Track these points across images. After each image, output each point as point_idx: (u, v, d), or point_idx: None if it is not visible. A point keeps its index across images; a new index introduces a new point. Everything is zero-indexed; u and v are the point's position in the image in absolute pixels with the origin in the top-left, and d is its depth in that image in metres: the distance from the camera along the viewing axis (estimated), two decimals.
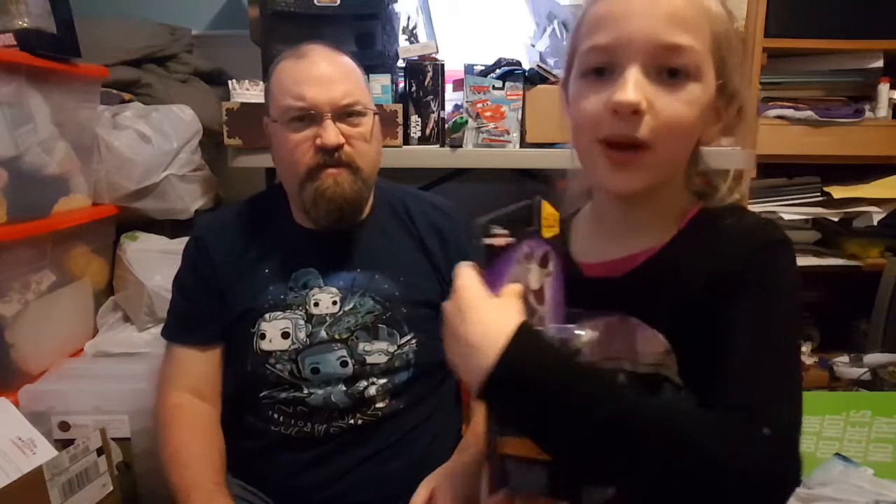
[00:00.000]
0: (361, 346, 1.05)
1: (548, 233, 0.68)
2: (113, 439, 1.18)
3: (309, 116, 1.02)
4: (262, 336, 1.05)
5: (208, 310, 1.09)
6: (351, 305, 1.06)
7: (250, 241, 1.10)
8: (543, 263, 0.66)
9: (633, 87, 0.63)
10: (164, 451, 1.05)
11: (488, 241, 0.67)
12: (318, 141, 1.01)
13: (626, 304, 0.66)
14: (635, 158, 0.65)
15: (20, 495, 0.94)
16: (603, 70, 0.66)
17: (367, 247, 1.10)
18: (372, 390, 1.05)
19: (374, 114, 1.08)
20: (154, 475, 1.12)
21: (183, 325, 1.11)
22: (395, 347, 1.06)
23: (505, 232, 0.67)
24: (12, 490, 0.93)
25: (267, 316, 1.06)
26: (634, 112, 0.63)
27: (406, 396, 1.08)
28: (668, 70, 0.63)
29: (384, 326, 1.06)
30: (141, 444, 1.23)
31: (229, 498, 0.99)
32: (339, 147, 1.01)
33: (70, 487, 1.01)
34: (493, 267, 0.66)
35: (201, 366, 1.10)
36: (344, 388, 1.04)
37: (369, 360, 1.05)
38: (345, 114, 1.03)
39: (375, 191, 1.13)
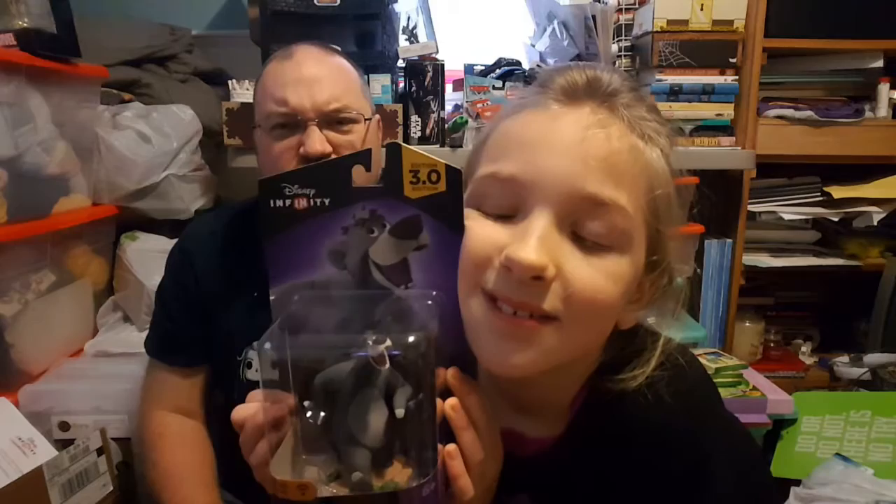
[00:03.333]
0: None
1: (416, 192, 0.47)
2: (113, 439, 1.17)
3: (293, 123, 0.93)
4: (250, 365, 1.00)
5: (191, 330, 1.04)
6: None
7: (239, 257, 1.02)
8: (405, 232, 0.48)
9: (537, 242, 0.46)
10: (151, 471, 1.02)
11: (279, 202, 0.48)
12: (302, 150, 0.92)
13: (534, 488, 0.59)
14: (535, 330, 0.48)
15: (20, 495, 0.94)
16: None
17: None
18: None
19: (368, 119, 0.99)
20: None
21: (166, 345, 1.07)
22: None
23: (308, 192, 0.48)
24: (12, 490, 0.93)
25: (254, 344, 1.03)
26: (536, 278, 0.46)
27: None
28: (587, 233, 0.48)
29: None
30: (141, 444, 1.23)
31: None
32: (324, 156, 0.92)
33: (70, 487, 1.01)
34: (281, 239, 0.49)
35: (185, 387, 1.07)
36: None
37: None
38: (333, 120, 0.95)
39: None
